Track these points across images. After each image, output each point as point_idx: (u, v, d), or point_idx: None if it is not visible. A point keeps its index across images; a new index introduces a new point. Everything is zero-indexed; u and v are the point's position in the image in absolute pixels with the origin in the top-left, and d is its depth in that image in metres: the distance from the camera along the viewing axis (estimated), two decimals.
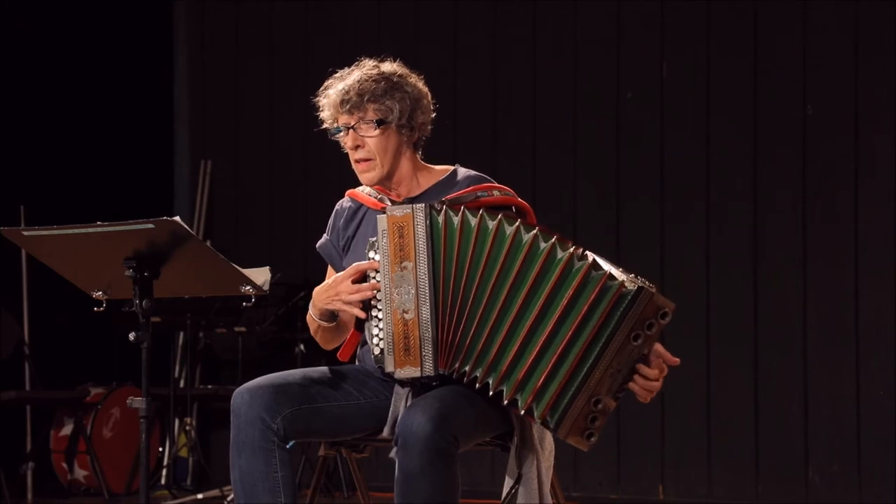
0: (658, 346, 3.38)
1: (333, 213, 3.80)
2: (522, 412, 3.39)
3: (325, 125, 3.67)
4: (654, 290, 3.34)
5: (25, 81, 7.91)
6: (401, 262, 3.42)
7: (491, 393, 3.39)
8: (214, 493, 7.23)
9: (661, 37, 7.19)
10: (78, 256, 3.59)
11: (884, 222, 6.71)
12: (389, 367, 3.43)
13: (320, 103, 3.67)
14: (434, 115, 3.70)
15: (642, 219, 7.18)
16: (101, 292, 3.66)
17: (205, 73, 8.38)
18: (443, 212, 3.43)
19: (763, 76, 6.96)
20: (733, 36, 7.04)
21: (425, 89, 3.68)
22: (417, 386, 3.49)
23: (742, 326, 6.95)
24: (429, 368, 3.41)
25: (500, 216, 3.41)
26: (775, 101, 6.94)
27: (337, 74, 3.68)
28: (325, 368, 3.65)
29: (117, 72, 8.22)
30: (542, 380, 3.35)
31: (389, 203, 3.64)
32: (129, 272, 3.53)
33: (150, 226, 3.43)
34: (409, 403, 3.48)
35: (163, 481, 7.63)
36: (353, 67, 3.68)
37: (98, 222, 3.47)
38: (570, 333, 3.34)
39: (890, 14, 6.70)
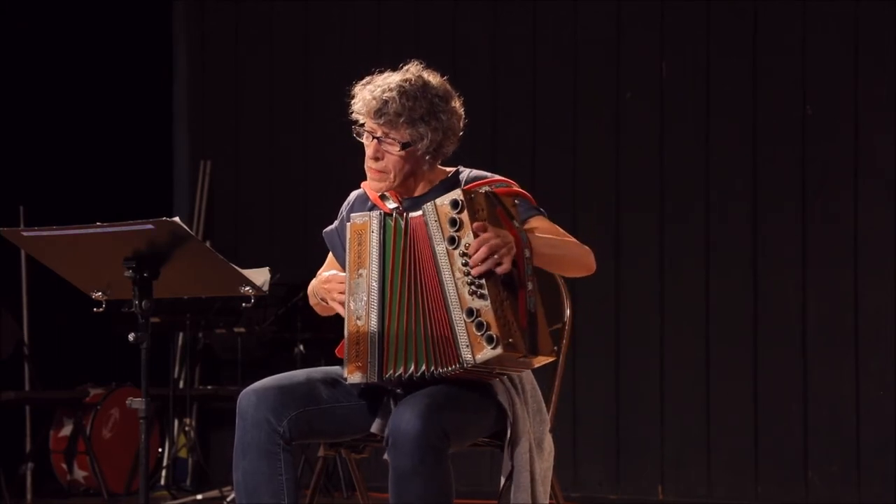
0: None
1: (345, 202, 3.81)
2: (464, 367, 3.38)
3: (353, 116, 3.62)
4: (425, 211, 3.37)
5: (25, 81, 7.90)
6: (358, 270, 3.48)
7: (437, 375, 3.41)
8: (214, 493, 7.22)
9: (661, 37, 7.18)
10: (78, 257, 3.58)
11: (884, 222, 6.70)
12: (344, 373, 3.49)
13: (356, 94, 3.60)
14: (462, 132, 3.65)
15: (642, 219, 7.18)
16: (100, 293, 3.65)
17: (205, 73, 8.37)
18: (394, 219, 3.47)
19: (763, 76, 6.96)
20: (733, 36, 7.04)
21: (461, 112, 3.63)
22: (408, 385, 3.49)
23: (742, 326, 6.95)
24: (373, 375, 3.45)
25: None
26: (775, 101, 6.94)
27: (380, 75, 3.59)
28: (327, 369, 3.67)
29: (117, 72, 8.21)
30: (441, 336, 3.38)
31: (389, 200, 3.66)
32: (128, 272, 3.53)
33: (150, 226, 3.43)
34: (396, 403, 3.50)
35: (162, 482, 7.63)
36: (399, 69, 3.60)
37: (98, 223, 3.47)
38: (404, 283, 3.43)
39: (890, 14, 6.70)
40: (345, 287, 3.53)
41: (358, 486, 4.10)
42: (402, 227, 3.44)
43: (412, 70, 3.60)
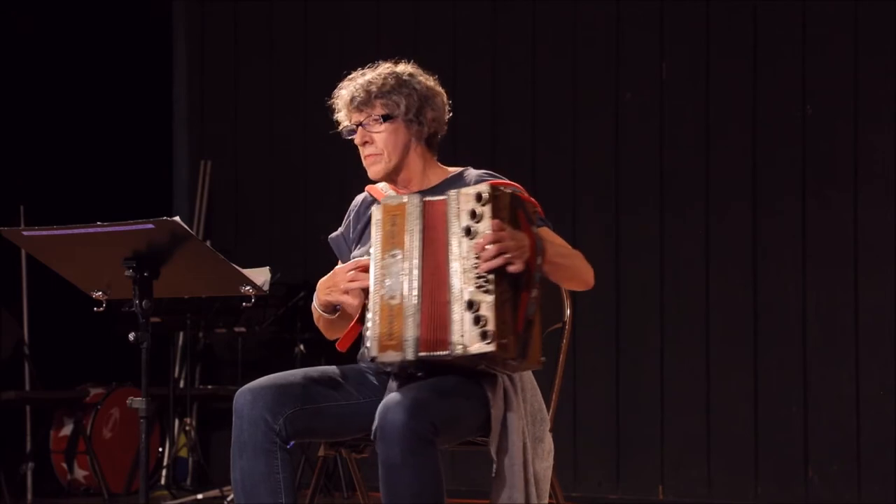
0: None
1: (351, 206, 3.84)
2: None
3: (340, 126, 3.71)
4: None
5: (25, 82, 7.91)
6: (391, 250, 3.44)
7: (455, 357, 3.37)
8: (214, 493, 7.23)
9: (661, 37, 7.18)
10: (78, 256, 3.59)
11: (883, 222, 6.70)
12: (373, 352, 3.41)
13: (335, 105, 3.72)
14: (450, 114, 3.73)
15: (642, 219, 7.17)
16: (100, 292, 3.66)
17: (204, 74, 8.37)
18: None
19: (763, 76, 6.96)
20: (733, 36, 7.04)
21: (438, 88, 3.73)
22: (405, 381, 3.47)
23: (742, 326, 6.95)
24: (410, 353, 3.39)
25: None
26: (775, 101, 6.94)
27: (351, 76, 3.73)
28: (325, 368, 3.66)
29: (117, 72, 8.22)
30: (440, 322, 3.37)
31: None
32: (128, 272, 3.54)
33: (150, 226, 3.43)
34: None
35: (162, 481, 7.63)
36: (367, 68, 3.73)
37: (98, 222, 3.47)
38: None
39: (890, 14, 6.70)
40: (356, 275, 3.51)
41: (358, 486, 4.10)
42: (421, 209, 3.44)
43: (381, 64, 3.73)
